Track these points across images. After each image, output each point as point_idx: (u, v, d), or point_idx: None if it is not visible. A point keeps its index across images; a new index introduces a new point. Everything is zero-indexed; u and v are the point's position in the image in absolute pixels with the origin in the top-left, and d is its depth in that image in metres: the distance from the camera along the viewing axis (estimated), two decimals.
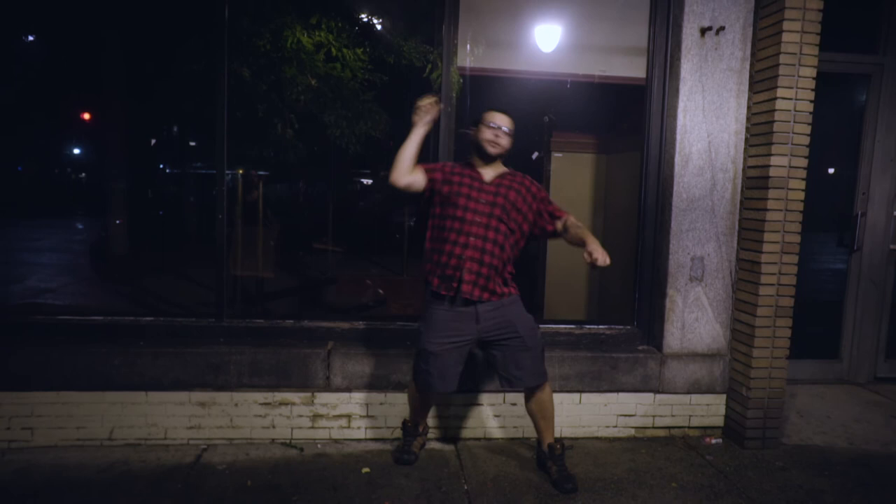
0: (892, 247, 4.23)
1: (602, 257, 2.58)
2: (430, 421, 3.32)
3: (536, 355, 2.85)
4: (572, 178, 4.26)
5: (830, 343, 4.32)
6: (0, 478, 2.79)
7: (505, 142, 2.79)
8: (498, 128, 2.77)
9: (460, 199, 2.75)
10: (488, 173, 2.84)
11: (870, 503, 2.81)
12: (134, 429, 3.15)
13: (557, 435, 3.41)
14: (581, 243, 2.69)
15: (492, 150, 2.78)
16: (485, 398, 3.34)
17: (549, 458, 2.94)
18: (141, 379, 3.14)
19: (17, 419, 3.07)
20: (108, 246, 6.34)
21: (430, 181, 2.81)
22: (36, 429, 3.08)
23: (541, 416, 2.96)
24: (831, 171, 4.41)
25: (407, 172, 2.74)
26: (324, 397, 3.26)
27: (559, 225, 2.84)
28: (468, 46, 3.65)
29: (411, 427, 3.11)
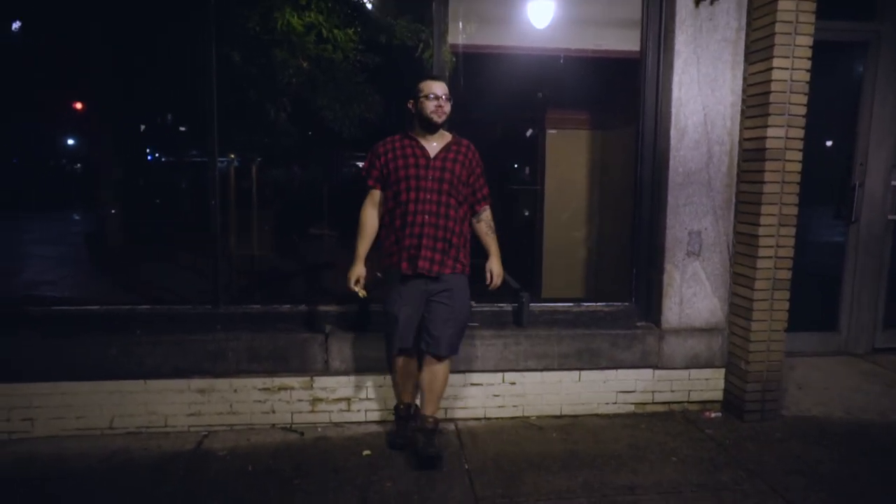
0: (890, 217, 4.21)
1: (497, 280, 2.98)
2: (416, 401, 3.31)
3: (457, 331, 2.90)
4: (567, 155, 4.22)
5: (829, 315, 4.32)
6: (2, 468, 2.80)
7: (447, 108, 2.83)
8: (438, 97, 2.80)
9: (410, 180, 2.81)
10: (433, 145, 2.87)
11: (867, 471, 2.82)
12: (134, 417, 3.15)
13: (557, 413, 3.42)
14: (486, 248, 3.00)
15: (438, 119, 2.81)
16: (483, 378, 3.35)
17: (419, 429, 2.93)
18: (139, 367, 3.13)
19: (17, 410, 3.07)
20: (104, 236, 6.30)
21: (374, 180, 2.92)
22: (36, 419, 3.08)
23: (430, 391, 2.93)
24: (829, 143, 4.38)
25: (374, 222, 2.95)
26: (323, 381, 3.26)
27: (478, 208, 2.99)
28: (460, 24, 3.60)
29: (403, 410, 3.09)
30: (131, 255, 5.95)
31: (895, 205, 4.19)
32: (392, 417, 3.26)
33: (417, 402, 3.11)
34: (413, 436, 3.00)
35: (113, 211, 6.74)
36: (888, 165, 4.17)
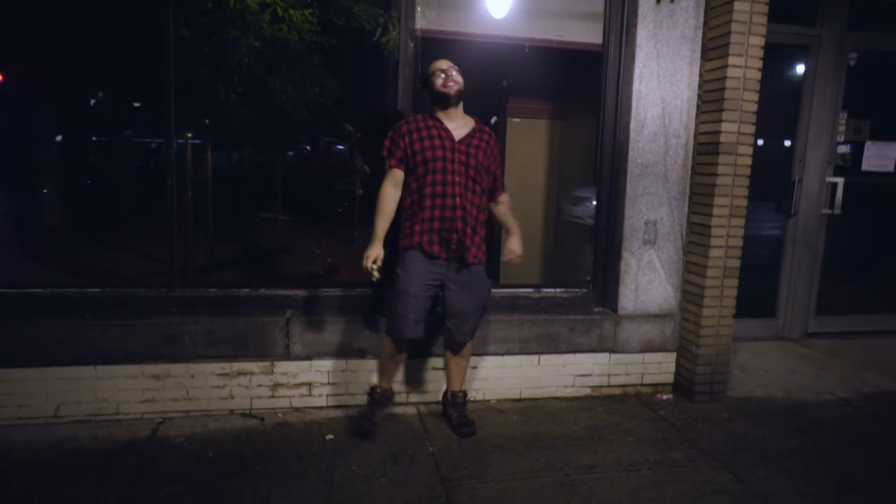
0: (824, 211, 4.48)
1: (518, 259, 3.03)
2: (394, 386, 3.32)
3: (479, 316, 3.01)
4: (528, 144, 4.28)
5: (768, 303, 4.58)
6: None
7: (459, 78, 2.82)
8: (444, 70, 2.81)
9: (437, 162, 2.78)
10: (456, 128, 2.86)
11: (805, 446, 3.02)
12: (82, 405, 3.00)
13: (517, 396, 3.49)
14: (507, 228, 3.06)
15: (449, 91, 2.79)
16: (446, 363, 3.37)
17: (451, 405, 3.12)
18: (89, 353, 2.99)
19: None
20: (39, 218, 5.94)
21: (395, 159, 2.85)
22: None
23: (456, 371, 3.11)
24: (773, 140, 4.61)
25: (393, 200, 2.88)
26: (284, 366, 3.20)
27: (498, 197, 3.03)
28: (418, 9, 3.57)
29: (379, 394, 3.06)
30: (71, 238, 5.65)
31: (829, 200, 4.46)
32: (356, 402, 3.24)
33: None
34: (446, 412, 3.15)
35: (46, 190, 6.37)
36: (824, 163, 4.44)
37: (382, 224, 2.83)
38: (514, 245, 3.04)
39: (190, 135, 3.93)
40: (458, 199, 2.78)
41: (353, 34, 5.01)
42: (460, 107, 2.88)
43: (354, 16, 4.95)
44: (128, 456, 2.71)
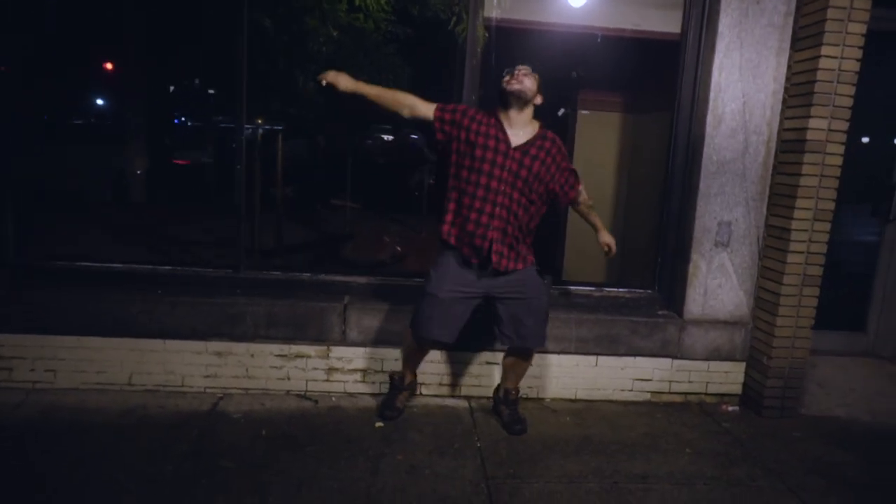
0: None
1: (613, 249, 2.96)
2: (446, 378, 3.32)
3: (539, 319, 2.86)
4: (598, 137, 4.13)
5: (856, 315, 4.21)
6: (26, 418, 2.85)
7: (527, 81, 2.63)
8: (514, 69, 2.66)
9: (485, 164, 2.65)
10: (517, 132, 2.69)
11: (894, 478, 2.76)
12: (152, 375, 3.18)
13: (572, 397, 3.40)
14: (592, 225, 3.00)
15: (509, 87, 2.62)
16: (499, 357, 3.31)
17: (503, 402, 3.07)
18: (159, 327, 3.16)
19: (41, 361, 3.11)
20: (126, 195, 6.36)
21: (440, 120, 2.73)
22: (58, 371, 3.13)
23: (513, 372, 3.05)
24: (871, 138, 4.22)
25: (399, 106, 2.76)
26: (339, 351, 3.26)
27: (571, 195, 2.88)
28: None
29: (398, 380, 3.09)
30: (153, 213, 6.01)
31: None
32: None
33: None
34: (497, 408, 3.12)
35: (139, 172, 6.81)
36: None
37: (374, 90, 2.76)
38: (605, 238, 2.95)
39: (260, 120, 4.06)
40: (497, 209, 2.65)
41: (427, 23, 5.00)
42: (525, 113, 2.69)
43: (429, 4, 4.93)
44: (189, 427, 2.85)
